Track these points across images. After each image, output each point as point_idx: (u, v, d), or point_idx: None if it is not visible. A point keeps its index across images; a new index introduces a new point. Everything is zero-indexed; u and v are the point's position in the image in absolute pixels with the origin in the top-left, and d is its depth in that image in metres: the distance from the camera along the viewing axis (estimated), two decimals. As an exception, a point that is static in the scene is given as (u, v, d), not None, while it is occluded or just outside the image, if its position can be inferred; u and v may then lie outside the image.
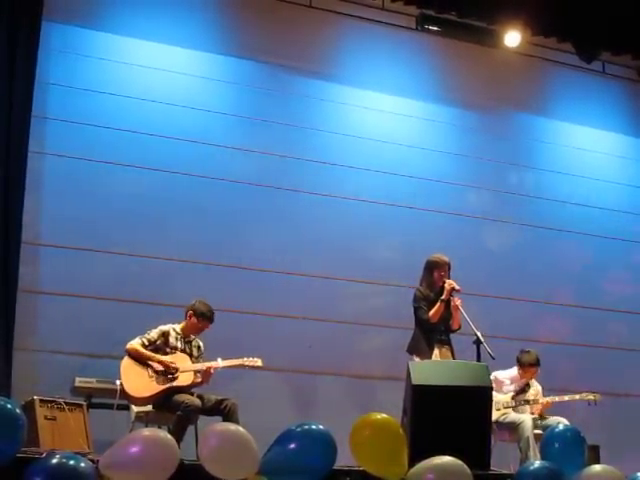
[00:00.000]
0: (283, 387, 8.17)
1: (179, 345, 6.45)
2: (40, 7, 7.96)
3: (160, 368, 6.23)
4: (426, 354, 6.68)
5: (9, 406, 4.17)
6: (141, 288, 7.84)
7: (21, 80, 7.70)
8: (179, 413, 6.02)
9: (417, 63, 9.60)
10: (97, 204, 7.96)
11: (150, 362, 6.24)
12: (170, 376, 6.22)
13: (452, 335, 6.90)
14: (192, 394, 6.29)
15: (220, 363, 6.35)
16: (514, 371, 7.37)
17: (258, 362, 6.44)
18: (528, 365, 7.26)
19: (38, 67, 7.84)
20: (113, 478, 4.11)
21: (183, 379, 6.24)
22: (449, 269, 6.93)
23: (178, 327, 6.52)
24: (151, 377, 6.21)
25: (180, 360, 6.33)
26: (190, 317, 6.51)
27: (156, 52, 8.63)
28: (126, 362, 6.25)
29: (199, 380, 6.30)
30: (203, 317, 6.50)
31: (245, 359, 6.42)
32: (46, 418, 5.92)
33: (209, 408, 6.25)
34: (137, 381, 6.17)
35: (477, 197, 9.50)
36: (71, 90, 8.18)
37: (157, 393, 6.17)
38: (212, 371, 6.31)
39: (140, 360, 6.25)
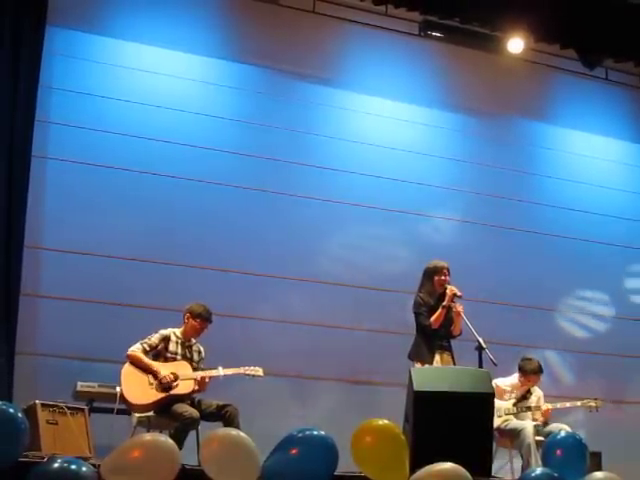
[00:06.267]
0: (284, 392, 8.15)
1: (179, 350, 6.44)
2: (43, 12, 7.98)
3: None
4: (427, 360, 6.69)
5: (11, 410, 4.19)
6: (143, 292, 7.84)
7: (24, 84, 7.72)
8: (177, 425, 6.02)
9: (420, 69, 9.60)
10: (99, 208, 7.96)
11: (149, 371, 6.24)
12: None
13: (453, 341, 6.91)
14: (193, 400, 6.30)
15: (221, 372, 6.35)
16: (515, 378, 7.35)
17: (259, 371, 6.45)
18: (531, 373, 7.23)
19: (41, 71, 7.85)
20: (114, 483, 4.11)
21: (183, 387, 6.23)
22: (448, 273, 6.94)
23: (178, 331, 6.52)
24: (151, 384, 6.20)
25: (181, 367, 6.33)
26: (188, 319, 6.52)
27: (159, 57, 8.64)
28: (127, 369, 6.25)
29: (197, 388, 6.30)
30: (200, 317, 6.50)
31: (246, 368, 6.43)
32: (48, 422, 5.91)
33: (210, 413, 6.25)
34: (137, 388, 6.16)
35: (479, 203, 9.48)
36: (74, 94, 8.19)
37: (156, 401, 6.16)
38: (207, 379, 6.31)
39: (141, 368, 6.25)
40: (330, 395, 8.31)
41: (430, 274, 6.98)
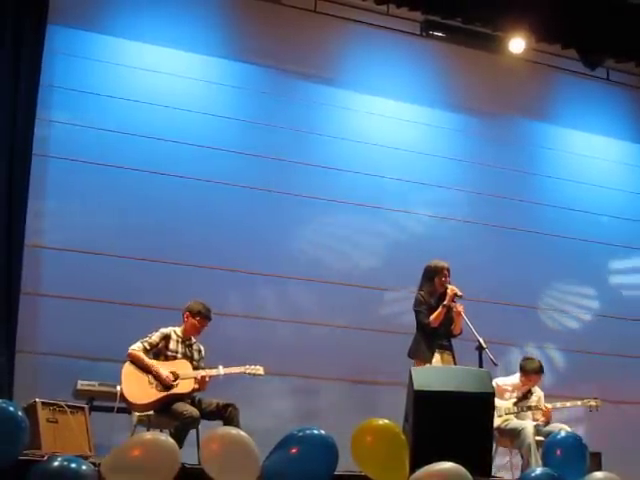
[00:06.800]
0: (285, 391, 8.17)
1: (180, 349, 6.44)
2: (45, 10, 7.98)
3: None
4: (427, 358, 6.71)
5: (11, 408, 4.18)
6: (144, 291, 7.84)
7: (25, 83, 7.72)
8: (177, 424, 6.02)
9: (422, 69, 9.61)
10: (100, 207, 7.97)
11: (150, 371, 6.25)
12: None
13: (454, 340, 6.92)
14: (193, 399, 6.30)
15: (221, 371, 6.34)
16: (516, 378, 7.35)
17: (260, 370, 6.44)
18: (532, 373, 7.24)
19: (42, 70, 7.85)
20: (114, 482, 4.11)
21: (183, 386, 6.22)
22: (449, 273, 6.96)
23: (179, 330, 6.52)
24: (151, 384, 6.19)
25: (181, 366, 6.32)
26: (187, 318, 6.52)
27: (160, 55, 8.64)
28: (127, 368, 6.25)
29: (197, 387, 6.29)
30: (200, 315, 6.50)
31: (247, 367, 6.42)
32: (48, 421, 5.91)
33: (210, 412, 6.25)
34: (137, 387, 6.16)
35: (480, 203, 9.48)
36: (75, 93, 8.19)
37: (156, 400, 6.15)
38: (207, 379, 6.30)
39: (141, 367, 6.25)
40: (330, 394, 8.31)
41: (430, 274, 7.00)
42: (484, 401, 5.78)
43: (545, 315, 9.46)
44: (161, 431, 6.09)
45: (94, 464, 4.20)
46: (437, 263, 7.02)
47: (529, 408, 7.16)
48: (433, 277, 6.98)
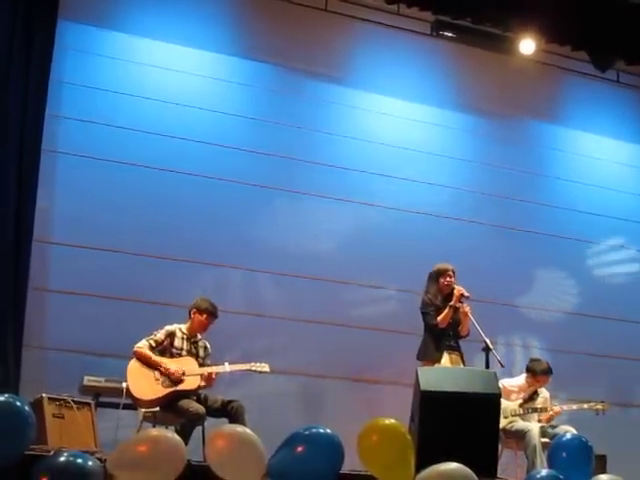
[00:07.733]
0: (291, 390, 8.16)
1: (185, 346, 6.44)
2: (55, 6, 8.00)
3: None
4: (435, 359, 6.71)
5: (18, 403, 4.18)
6: (150, 288, 7.84)
7: (35, 78, 7.73)
8: (183, 421, 6.03)
9: (431, 69, 9.58)
10: (108, 203, 7.98)
11: (157, 367, 6.25)
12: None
13: (461, 341, 6.92)
14: (199, 396, 6.30)
15: (227, 368, 6.34)
16: (522, 379, 7.34)
17: (265, 367, 6.43)
18: (541, 374, 7.23)
19: (52, 65, 7.87)
20: (121, 478, 4.11)
21: (189, 383, 6.22)
22: (454, 275, 6.97)
23: (184, 327, 6.53)
24: (157, 380, 6.20)
25: (187, 363, 6.32)
26: (194, 315, 6.52)
27: (170, 53, 8.65)
28: (132, 365, 6.25)
29: (204, 384, 6.30)
30: (207, 312, 6.51)
31: (252, 364, 6.41)
32: (54, 416, 5.93)
33: (215, 410, 6.25)
34: (143, 384, 6.16)
35: (488, 204, 9.46)
36: (85, 89, 8.20)
37: (162, 397, 6.16)
38: (214, 375, 6.30)
39: (147, 364, 6.26)
40: (337, 393, 8.30)
41: (435, 277, 7.06)
42: (490, 402, 5.79)
43: (552, 317, 9.43)
44: (167, 428, 6.10)
45: (100, 460, 4.20)
46: (440, 266, 7.08)
47: (535, 410, 7.14)
48: (437, 279, 7.02)
